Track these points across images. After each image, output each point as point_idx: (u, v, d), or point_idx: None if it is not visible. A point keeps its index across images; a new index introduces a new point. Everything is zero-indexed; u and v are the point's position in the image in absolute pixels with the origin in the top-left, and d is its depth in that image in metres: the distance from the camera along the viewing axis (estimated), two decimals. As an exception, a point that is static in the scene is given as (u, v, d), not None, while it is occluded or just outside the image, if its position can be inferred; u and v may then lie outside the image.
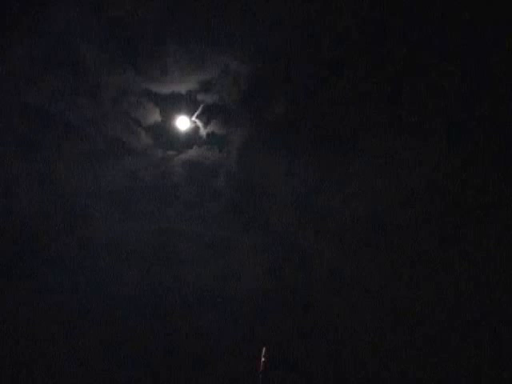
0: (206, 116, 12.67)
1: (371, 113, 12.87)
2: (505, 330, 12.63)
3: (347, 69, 12.62)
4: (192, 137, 12.79)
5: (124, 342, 12.47)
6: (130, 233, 12.60)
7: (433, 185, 13.06)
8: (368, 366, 12.92)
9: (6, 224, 12.23)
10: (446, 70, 12.65)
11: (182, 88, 12.41)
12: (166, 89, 12.38)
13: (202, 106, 12.58)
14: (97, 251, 12.45)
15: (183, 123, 12.68)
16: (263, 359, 11.21)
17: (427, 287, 13.09)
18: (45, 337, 12.21)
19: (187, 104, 12.55)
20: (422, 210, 13.11)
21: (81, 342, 12.31)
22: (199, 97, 12.54)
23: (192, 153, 12.81)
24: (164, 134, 12.69)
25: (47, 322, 12.23)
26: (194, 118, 12.66)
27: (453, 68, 12.59)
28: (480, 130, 12.84)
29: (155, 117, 12.58)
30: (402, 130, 12.82)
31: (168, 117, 12.60)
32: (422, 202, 13.11)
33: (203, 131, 12.77)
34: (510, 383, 12.30)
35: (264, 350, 11.37)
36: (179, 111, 12.58)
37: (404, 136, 12.87)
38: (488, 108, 12.76)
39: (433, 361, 12.84)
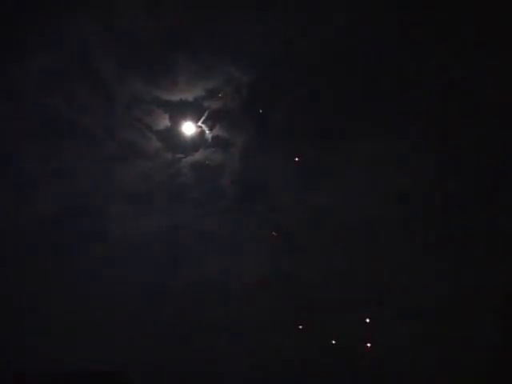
0: (212, 121, 13.58)
1: (367, 116, 13.54)
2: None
3: (345, 75, 13.36)
4: (198, 140, 13.68)
5: (133, 332, 13.19)
6: (142, 229, 13.49)
7: (425, 183, 13.63)
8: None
9: (27, 221, 13.22)
10: (436, 73, 13.32)
11: (190, 95, 13.35)
12: (174, 96, 13.33)
13: (207, 111, 13.50)
14: (111, 246, 13.33)
15: (190, 128, 13.59)
16: None
17: (423, 281, 13.62)
18: (59, 324, 12.95)
19: (194, 110, 13.46)
20: (416, 207, 13.73)
21: (92, 331, 13.01)
22: (205, 103, 13.47)
23: (198, 155, 13.71)
24: (173, 138, 13.60)
25: (63, 309, 13.02)
26: (200, 123, 13.57)
27: (442, 70, 13.25)
28: (470, 130, 13.33)
29: (165, 122, 13.51)
30: (397, 132, 13.49)
31: (176, 122, 13.53)
32: (417, 200, 13.70)
33: (209, 135, 13.68)
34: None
35: None
36: (187, 117, 13.49)
37: (399, 137, 13.49)
38: (479, 108, 13.37)
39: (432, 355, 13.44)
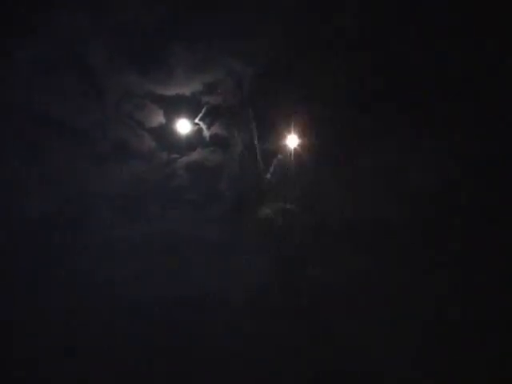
0: (210, 118, 12.82)
1: (373, 115, 13.04)
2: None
3: (348, 72, 12.79)
4: (195, 139, 12.92)
5: (125, 342, 12.72)
6: (135, 234, 12.77)
7: (434, 186, 13.30)
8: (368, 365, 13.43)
9: (12, 225, 12.40)
10: (451, 74, 12.92)
11: (186, 90, 12.57)
12: (169, 91, 12.53)
13: (205, 107, 12.74)
14: (102, 252, 12.61)
15: (187, 125, 12.80)
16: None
17: (427, 287, 13.56)
18: (43, 334, 12.38)
19: (191, 106, 12.69)
20: (422, 211, 13.45)
21: (79, 341, 12.52)
22: (203, 98, 12.71)
23: (195, 155, 12.96)
24: (168, 136, 12.81)
25: (48, 320, 12.40)
26: (197, 120, 12.78)
27: (458, 70, 12.84)
28: (484, 132, 13.08)
29: (159, 119, 12.71)
30: (403, 132, 13.01)
31: (172, 119, 12.73)
32: (423, 203, 13.39)
33: (206, 133, 12.91)
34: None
35: None
36: (183, 113, 12.72)
37: (405, 138, 13.07)
38: (491, 109, 13.08)
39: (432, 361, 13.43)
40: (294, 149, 13.01)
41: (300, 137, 12.94)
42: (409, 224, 13.53)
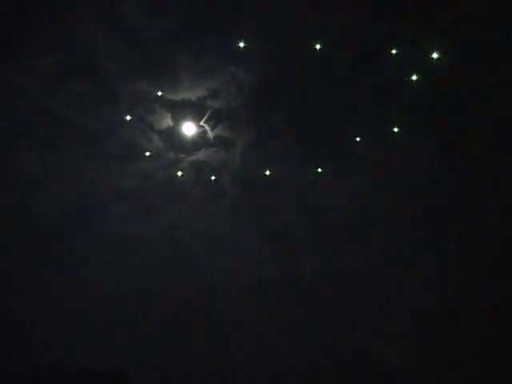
0: (214, 121, 13.63)
1: (367, 117, 13.72)
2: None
3: (345, 78, 13.52)
4: (200, 140, 13.73)
5: (133, 332, 13.29)
6: (143, 228, 13.57)
7: (426, 184, 13.88)
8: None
9: (28, 220, 13.31)
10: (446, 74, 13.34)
11: (192, 95, 13.43)
12: (177, 96, 13.41)
13: (209, 111, 13.55)
14: (111, 245, 13.45)
15: (192, 127, 13.63)
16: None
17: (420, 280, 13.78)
18: (57, 322, 13.08)
19: (196, 110, 13.53)
20: (415, 207, 13.92)
21: (89, 330, 13.15)
22: (207, 103, 13.53)
23: (200, 155, 13.77)
24: (175, 138, 13.65)
25: (63, 309, 13.16)
26: (202, 123, 13.61)
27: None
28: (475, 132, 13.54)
29: (167, 122, 13.57)
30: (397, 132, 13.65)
31: (178, 122, 13.58)
32: (416, 200, 13.88)
33: (210, 135, 13.71)
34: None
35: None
36: (189, 116, 13.54)
37: (399, 138, 13.69)
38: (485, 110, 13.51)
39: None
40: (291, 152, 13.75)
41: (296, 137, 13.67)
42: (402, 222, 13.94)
